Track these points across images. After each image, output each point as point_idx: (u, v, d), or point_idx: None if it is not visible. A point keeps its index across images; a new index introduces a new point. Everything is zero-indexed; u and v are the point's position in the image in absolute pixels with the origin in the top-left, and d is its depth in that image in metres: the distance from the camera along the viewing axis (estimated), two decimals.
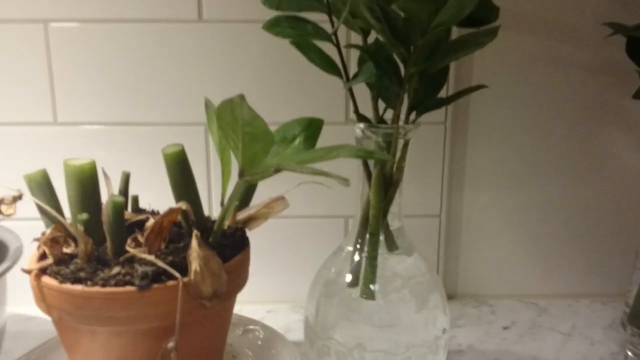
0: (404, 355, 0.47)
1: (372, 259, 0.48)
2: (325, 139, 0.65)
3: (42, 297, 0.42)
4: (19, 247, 0.53)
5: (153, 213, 0.51)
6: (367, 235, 0.48)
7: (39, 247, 0.47)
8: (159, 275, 0.41)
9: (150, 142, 0.66)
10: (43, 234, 0.48)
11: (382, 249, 0.49)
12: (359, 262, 0.49)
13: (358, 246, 0.50)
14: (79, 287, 0.40)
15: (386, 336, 0.47)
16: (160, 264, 0.41)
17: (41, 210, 0.47)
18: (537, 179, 0.69)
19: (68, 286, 0.40)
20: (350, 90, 0.47)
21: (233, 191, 0.41)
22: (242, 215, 0.48)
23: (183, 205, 0.43)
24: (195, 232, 0.42)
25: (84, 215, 0.42)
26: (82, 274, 0.41)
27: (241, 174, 0.40)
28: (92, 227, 0.46)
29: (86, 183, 0.45)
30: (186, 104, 0.65)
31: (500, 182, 0.69)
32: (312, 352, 0.50)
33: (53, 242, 0.43)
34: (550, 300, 0.71)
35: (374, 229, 0.48)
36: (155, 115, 0.65)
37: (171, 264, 0.41)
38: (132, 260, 0.42)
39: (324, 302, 0.50)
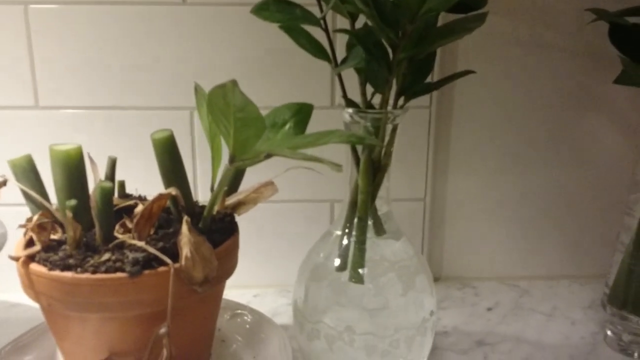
0: (392, 337, 0.47)
1: (361, 243, 0.48)
2: (311, 123, 0.65)
3: (31, 285, 0.41)
4: (3, 233, 0.53)
5: (140, 198, 0.50)
6: (356, 220, 0.49)
7: (25, 234, 0.46)
8: (150, 261, 0.41)
9: (134, 126, 0.65)
10: (29, 220, 0.48)
11: (370, 233, 0.49)
12: (348, 246, 0.50)
13: (347, 230, 0.50)
14: (68, 274, 0.40)
15: (375, 319, 0.48)
16: (151, 250, 0.41)
17: (26, 196, 0.46)
18: (520, 163, 0.70)
19: (57, 273, 0.40)
20: (339, 75, 0.47)
21: (222, 176, 0.41)
22: (231, 200, 0.48)
23: (173, 190, 0.42)
24: (185, 217, 0.42)
25: (73, 202, 0.42)
26: (71, 261, 0.40)
27: (232, 160, 0.40)
28: (80, 213, 0.45)
29: (73, 168, 0.45)
30: (171, 88, 0.64)
31: (484, 166, 0.69)
32: (302, 336, 0.50)
33: (40, 228, 0.43)
34: (531, 281, 0.73)
35: (363, 213, 0.48)
36: (139, 99, 0.65)
37: (162, 250, 0.41)
38: (121, 246, 0.42)
39: (312, 286, 0.50)
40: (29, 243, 0.45)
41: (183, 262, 0.41)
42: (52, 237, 0.44)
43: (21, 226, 0.44)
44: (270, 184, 0.47)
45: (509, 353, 0.58)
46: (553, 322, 0.64)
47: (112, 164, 0.51)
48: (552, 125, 0.68)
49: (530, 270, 0.73)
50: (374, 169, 0.48)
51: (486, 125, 0.68)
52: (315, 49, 0.45)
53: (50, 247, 0.42)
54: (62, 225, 0.45)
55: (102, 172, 0.50)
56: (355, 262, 0.49)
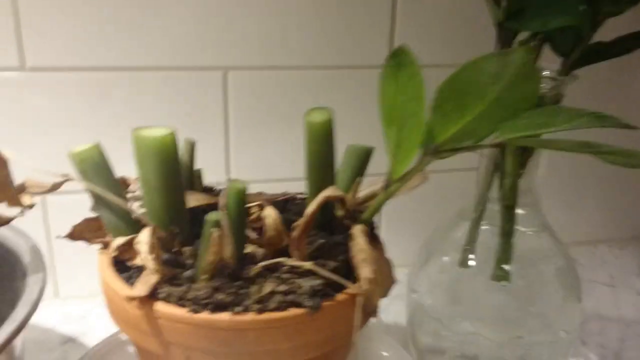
0: (557, 344, 0.41)
1: (508, 235, 0.41)
2: (366, 87, 0.56)
3: (156, 332, 0.29)
4: (33, 247, 0.39)
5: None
6: (502, 208, 0.41)
7: (103, 251, 0.34)
8: (324, 289, 0.30)
9: (152, 91, 0.51)
10: (80, 228, 0.35)
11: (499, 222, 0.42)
12: (475, 237, 0.42)
13: (481, 219, 0.42)
14: (224, 317, 0.28)
15: (536, 325, 0.41)
16: (325, 273, 0.30)
17: (100, 201, 0.33)
18: None
19: (207, 316, 0.28)
20: (501, 30, 0.37)
21: (413, 168, 0.31)
22: (364, 192, 0.38)
23: (338, 192, 0.32)
24: (360, 226, 0.32)
25: (215, 215, 0.30)
26: (220, 296, 0.29)
27: (436, 149, 0.30)
28: (179, 221, 0.34)
29: (169, 162, 0.33)
30: (197, 43, 0.51)
31: None
32: (437, 349, 0.42)
33: (152, 250, 0.31)
34: (573, 248, 0.69)
35: (510, 200, 0.40)
36: (154, 56, 0.51)
37: (334, 272, 0.31)
38: (270, 270, 0.31)
39: (441, 285, 0.42)
40: (118, 266, 0.33)
41: (364, 285, 0.31)
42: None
43: (122, 248, 0.31)
44: None
45: (601, 334, 0.54)
46: (619, 294, 0.61)
47: (191, 149, 0.39)
48: (596, 81, 0.63)
49: (571, 236, 0.70)
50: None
51: None
52: None
53: (175, 276, 0.30)
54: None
55: None
56: (500, 257, 0.41)
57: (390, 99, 0.30)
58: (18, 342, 0.36)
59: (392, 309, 0.55)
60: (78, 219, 0.36)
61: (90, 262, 0.43)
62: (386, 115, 0.31)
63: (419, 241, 0.61)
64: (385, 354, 0.42)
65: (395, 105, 0.30)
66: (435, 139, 0.29)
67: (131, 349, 0.42)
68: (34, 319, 0.51)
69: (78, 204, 0.35)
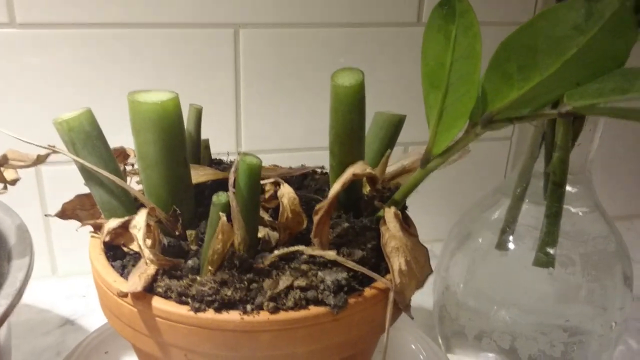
0: (604, 337, 0.36)
1: (555, 216, 0.36)
2: (394, 45, 0.50)
3: (154, 332, 0.25)
4: (19, 225, 0.35)
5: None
6: (549, 185, 0.36)
7: (94, 234, 0.30)
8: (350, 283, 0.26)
9: (152, 51, 0.47)
10: (70, 206, 0.31)
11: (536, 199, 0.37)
12: (514, 218, 0.37)
13: (524, 197, 0.37)
14: (234, 317, 0.24)
15: (582, 317, 0.36)
16: (351, 264, 0.26)
17: (92, 177, 0.29)
18: None
19: (211, 316, 0.24)
20: None
21: (461, 140, 0.26)
22: (393, 167, 0.33)
23: (368, 168, 0.27)
24: (392, 209, 0.27)
25: (224, 196, 0.25)
26: (228, 292, 0.25)
27: (488, 119, 0.25)
28: (183, 201, 0.29)
29: (171, 132, 0.28)
30: None
31: None
32: (470, 337, 0.38)
33: (150, 235, 0.26)
34: None
35: (560, 177, 0.35)
36: (159, 12, 0.46)
37: (361, 263, 0.26)
38: (288, 260, 0.27)
39: (478, 268, 0.38)
40: (114, 252, 0.28)
41: (397, 278, 0.26)
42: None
43: (115, 232, 0.27)
44: None
45: None
46: None
47: (197, 116, 0.34)
48: None
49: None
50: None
51: None
52: None
53: (175, 266, 0.26)
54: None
55: None
56: (545, 240, 0.36)
57: (436, 56, 0.25)
58: (2, 329, 0.33)
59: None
60: (76, 193, 0.31)
61: None
62: (429, 77, 0.26)
63: (440, 215, 0.57)
64: (413, 347, 0.38)
65: (442, 64, 0.25)
66: (489, 107, 0.24)
67: None
68: (29, 298, 0.48)
69: (77, 176, 0.31)
